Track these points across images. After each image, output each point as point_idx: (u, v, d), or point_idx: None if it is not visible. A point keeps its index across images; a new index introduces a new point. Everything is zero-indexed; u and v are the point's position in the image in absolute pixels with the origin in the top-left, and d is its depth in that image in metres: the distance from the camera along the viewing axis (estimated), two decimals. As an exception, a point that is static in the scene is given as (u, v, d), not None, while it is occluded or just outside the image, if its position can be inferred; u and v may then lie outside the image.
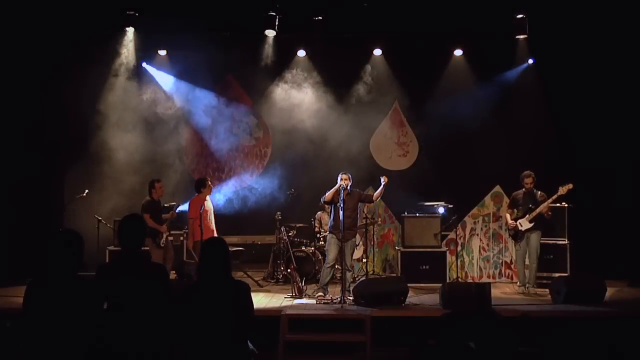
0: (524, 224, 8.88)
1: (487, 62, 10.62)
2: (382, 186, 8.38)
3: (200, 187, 8.99)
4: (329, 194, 8.37)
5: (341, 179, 8.25)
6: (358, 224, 8.97)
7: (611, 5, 9.48)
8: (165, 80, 11.21)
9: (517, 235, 9.03)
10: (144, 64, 11.01)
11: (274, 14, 10.08)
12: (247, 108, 11.84)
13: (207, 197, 9.02)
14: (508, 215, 9.17)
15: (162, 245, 8.81)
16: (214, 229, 8.98)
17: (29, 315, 3.83)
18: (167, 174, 10.93)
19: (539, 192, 8.92)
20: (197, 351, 3.99)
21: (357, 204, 8.57)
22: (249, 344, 4.25)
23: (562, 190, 8.66)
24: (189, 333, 4.01)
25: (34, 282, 3.90)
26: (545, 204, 8.74)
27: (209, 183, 9.11)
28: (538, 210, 8.76)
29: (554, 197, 8.73)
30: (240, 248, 9.89)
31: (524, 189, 8.97)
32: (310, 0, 10.06)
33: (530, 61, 10.76)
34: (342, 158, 10.76)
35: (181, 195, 10.74)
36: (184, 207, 9.68)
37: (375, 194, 8.63)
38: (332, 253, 8.35)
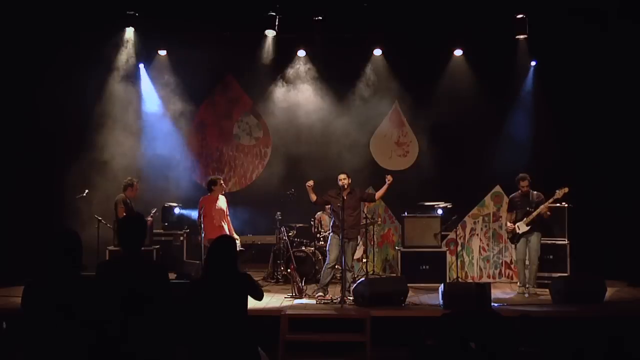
0: (522, 227, 8.84)
1: (487, 62, 10.61)
2: (386, 185, 8.37)
3: (211, 185, 8.99)
4: (311, 196, 8.43)
5: (340, 179, 8.26)
6: (360, 224, 8.97)
7: (611, 5, 9.48)
8: (164, 80, 11.19)
9: (514, 238, 9.01)
10: (141, 66, 10.97)
11: (274, 14, 10.08)
12: (247, 108, 11.84)
13: (220, 196, 9.01)
14: (508, 219, 9.14)
15: None
16: (225, 226, 8.92)
17: (27, 315, 3.82)
18: (167, 174, 10.93)
19: (535, 193, 8.88)
20: (203, 348, 3.99)
21: (359, 203, 8.56)
22: (260, 350, 4.25)
23: (558, 194, 8.64)
24: (193, 330, 4.02)
25: (33, 282, 3.90)
26: (542, 206, 8.69)
27: (221, 182, 9.08)
28: (535, 213, 8.71)
29: (550, 200, 8.70)
30: (241, 248, 9.88)
31: (520, 192, 8.93)
32: (310, 0, 10.05)
33: (533, 63, 10.76)
34: (342, 158, 10.76)
35: (181, 195, 10.76)
36: (184, 211, 10.07)
37: (378, 193, 8.63)
38: (333, 253, 8.34)
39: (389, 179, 8.32)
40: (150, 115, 11.04)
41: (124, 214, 8.82)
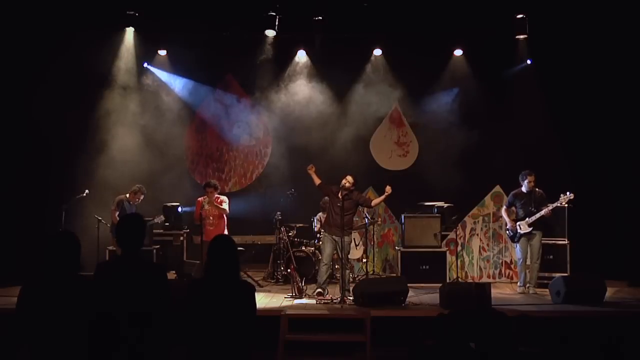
0: (523, 227, 8.84)
1: (487, 62, 10.62)
2: (384, 195, 8.33)
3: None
4: (315, 180, 8.50)
5: (345, 180, 8.27)
6: (357, 224, 8.98)
7: (611, 5, 9.48)
8: (164, 80, 11.20)
9: (514, 236, 9.01)
10: (145, 64, 11.00)
11: (274, 14, 10.09)
12: (246, 108, 11.84)
13: (213, 199, 9.07)
14: (506, 216, 9.14)
15: None
16: (210, 229, 9.02)
17: (24, 316, 3.81)
18: (167, 175, 10.93)
19: (538, 191, 8.87)
20: (200, 350, 3.99)
21: (356, 205, 8.53)
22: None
23: (563, 199, 8.63)
24: (192, 331, 4.01)
25: (28, 283, 3.89)
26: (546, 210, 8.68)
27: (211, 184, 9.17)
28: (538, 216, 8.71)
29: (554, 205, 8.69)
30: (240, 248, 9.88)
31: (523, 188, 8.92)
32: (310, 0, 10.06)
33: (529, 62, 10.76)
34: (342, 158, 10.77)
35: (181, 196, 10.76)
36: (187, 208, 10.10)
37: (374, 201, 8.59)
38: (326, 251, 8.37)
39: (387, 190, 8.25)
40: (151, 115, 11.02)
41: (117, 214, 9.02)
